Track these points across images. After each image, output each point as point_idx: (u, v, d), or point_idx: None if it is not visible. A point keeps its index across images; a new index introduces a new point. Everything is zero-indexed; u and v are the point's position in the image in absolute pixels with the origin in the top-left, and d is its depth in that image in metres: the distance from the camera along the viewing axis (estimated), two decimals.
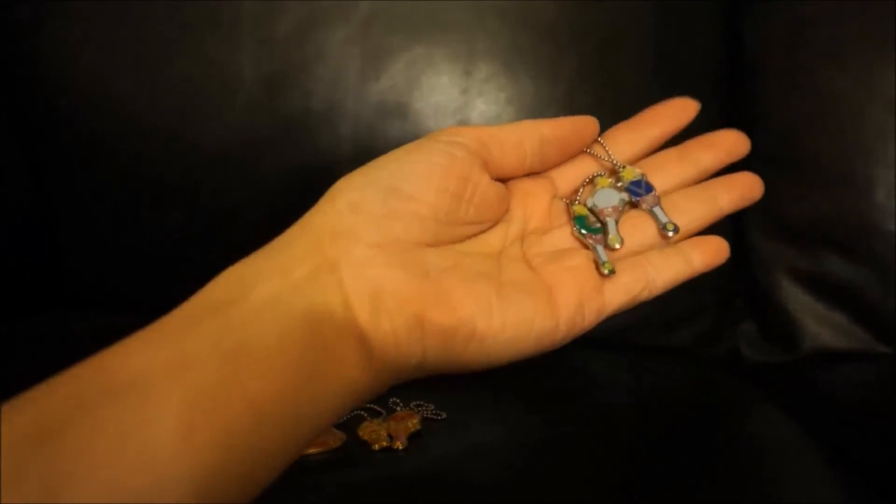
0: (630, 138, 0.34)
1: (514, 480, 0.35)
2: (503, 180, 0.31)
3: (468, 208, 0.29)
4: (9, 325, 0.49)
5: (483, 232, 0.30)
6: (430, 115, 0.56)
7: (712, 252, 0.32)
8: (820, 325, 0.64)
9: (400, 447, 0.37)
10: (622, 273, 0.30)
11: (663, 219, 0.31)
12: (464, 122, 0.56)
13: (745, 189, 0.33)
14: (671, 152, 0.34)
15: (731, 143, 0.34)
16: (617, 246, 0.30)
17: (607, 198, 0.32)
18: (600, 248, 0.30)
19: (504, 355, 0.28)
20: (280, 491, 0.34)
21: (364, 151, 0.56)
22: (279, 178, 0.57)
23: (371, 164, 0.29)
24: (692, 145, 0.34)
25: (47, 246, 0.63)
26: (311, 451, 0.36)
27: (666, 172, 0.33)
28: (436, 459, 0.37)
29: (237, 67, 0.56)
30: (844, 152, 0.63)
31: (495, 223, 0.31)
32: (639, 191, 0.32)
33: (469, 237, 0.30)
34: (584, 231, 0.31)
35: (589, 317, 0.29)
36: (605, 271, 0.29)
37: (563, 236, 0.32)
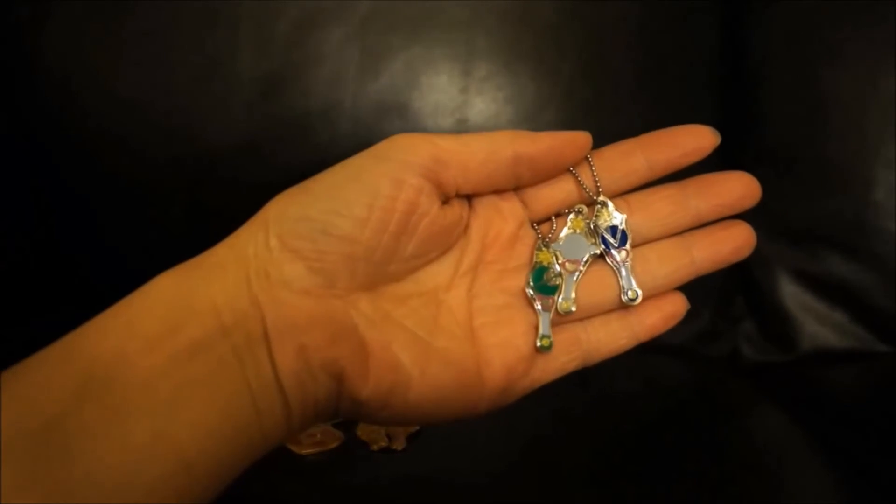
0: (626, 164, 0.30)
1: (512, 480, 0.35)
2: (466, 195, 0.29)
3: (409, 243, 0.26)
4: (8, 326, 0.49)
5: (429, 263, 0.28)
6: (429, 114, 0.56)
7: (666, 317, 0.30)
8: (820, 324, 0.64)
9: (399, 447, 0.37)
10: (558, 351, 0.28)
11: (626, 284, 0.29)
12: (463, 122, 0.56)
13: (734, 247, 0.30)
14: (665, 192, 0.30)
15: (739, 192, 0.29)
16: (568, 309, 0.28)
17: (575, 248, 0.29)
18: (545, 318, 0.28)
19: (418, 421, 0.28)
20: (280, 491, 0.34)
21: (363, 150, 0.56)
22: (278, 177, 0.57)
23: (309, 186, 0.26)
24: (693, 187, 0.30)
25: (47, 246, 0.63)
26: (310, 451, 0.36)
27: (652, 216, 0.30)
28: (434, 459, 0.37)
29: (236, 67, 0.56)
30: (844, 152, 0.63)
31: (445, 251, 0.28)
32: (612, 241, 0.29)
33: (410, 272, 0.27)
34: (534, 293, 0.28)
35: (511, 397, 0.28)
36: (539, 345, 0.28)
37: (518, 282, 0.29)
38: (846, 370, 0.62)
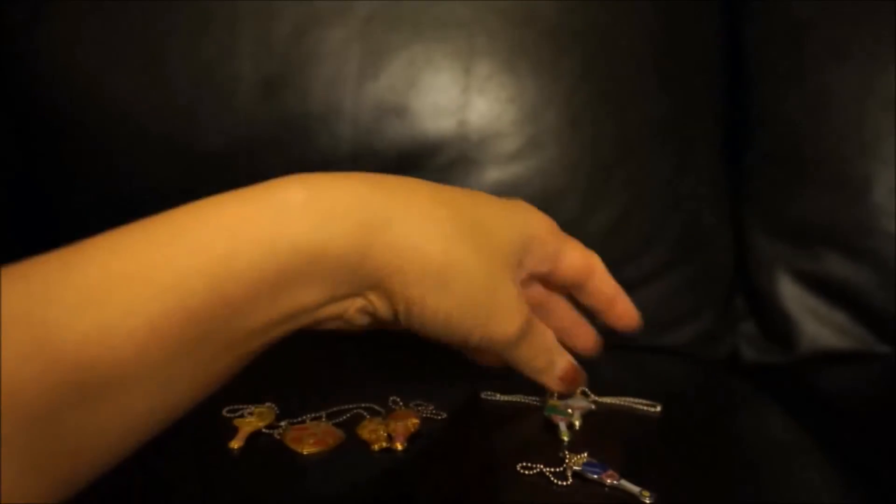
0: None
1: (512, 480, 0.35)
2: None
3: None
4: None
5: None
6: (429, 114, 0.56)
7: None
8: (820, 324, 0.65)
9: (399, 447, 0.37)
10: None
11: (634, 489, 0.34)
12: (464, 122, 0.56)
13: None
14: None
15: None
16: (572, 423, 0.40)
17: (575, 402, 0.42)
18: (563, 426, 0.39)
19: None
20: (279, 490, 0.34)
21: (363, 151, 0.56)
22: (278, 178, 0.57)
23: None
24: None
25: (45, 247, 0.62)
26: (310, 450, 0.36)
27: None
28: (435, 459, 0.37)
29: (236, 67, 0.56)
30: (844, 152, 0.63)
31: None
32: (598, 469, 0.35)
33: None
34: (549, 415, 0.40)
35: None
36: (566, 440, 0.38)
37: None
38: (846, 371, 0.62)
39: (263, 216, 0.29)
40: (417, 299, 0.32)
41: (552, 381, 0.39)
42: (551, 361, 0.38)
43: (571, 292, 0.41)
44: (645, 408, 0.45)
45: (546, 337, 0.38)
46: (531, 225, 0.37)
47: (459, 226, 0.33)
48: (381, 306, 0.33)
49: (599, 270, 0.40)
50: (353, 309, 0.32)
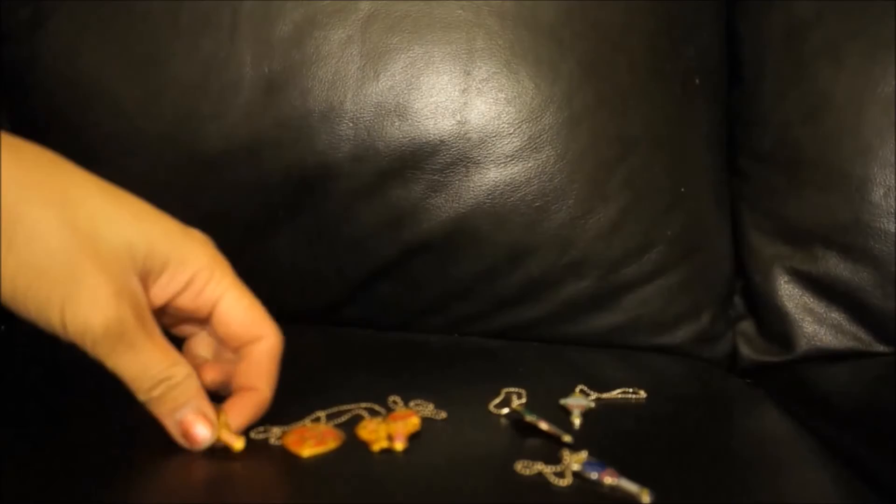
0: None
1: (512, 479, 0.35)
2: None
3: None
4: (9, 325, 0.49)
5: None
6: (429, 114, 0.56)
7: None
8: (818, 324, 0.65)
9: (399, 448, 0.37)
10: None
11: (634, 488, 0.34)
12: (464, 122, 0.56)
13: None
14: None
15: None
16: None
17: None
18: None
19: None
20: (280, 491, 0.34)
21: (363, 151, 0.56)
22: (278, 178, 0.57)
23: None
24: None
25: None
26: (310, 451, 0.36)
27: None
28: (435, 459, 0.37)
29: (236, 68, 0.56)
30: (842, 152, 0.63)
31: None
32: (597, 468, 0.35)
33: None
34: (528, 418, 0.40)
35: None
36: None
37: None
38: (844, 370, 0.62)
39: None
40: None
41: (169, 422, 0.35)
42: (170, 396, 0.34)
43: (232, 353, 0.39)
44: (630, 396, 0.47)
45: (167, 364, 0.34)
46: (173, 245, 0.36)
47: (54, 198, 0.32)
48: None
49: (265, 348, 0.38)
50: None
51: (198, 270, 0.36)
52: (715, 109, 0.66)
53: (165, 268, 0.35)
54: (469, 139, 0.56)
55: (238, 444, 0.35)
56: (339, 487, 0.34)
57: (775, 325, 0.66)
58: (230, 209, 0.58)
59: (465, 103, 0.56)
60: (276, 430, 0.38)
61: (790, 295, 0.65)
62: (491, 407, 0.43)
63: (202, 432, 0.35)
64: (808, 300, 0.65)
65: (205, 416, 0.35)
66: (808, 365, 0.64)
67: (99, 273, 0.32)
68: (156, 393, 0.34)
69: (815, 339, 0.65)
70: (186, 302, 0.36)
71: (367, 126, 0.56)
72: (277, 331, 0.38)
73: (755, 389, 0.59)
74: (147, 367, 0.34)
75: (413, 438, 0.38)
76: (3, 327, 0.46)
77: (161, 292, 0.36)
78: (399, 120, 0.56)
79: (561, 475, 0.35)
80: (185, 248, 0.36)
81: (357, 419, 0.40)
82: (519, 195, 0.57)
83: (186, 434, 0.34)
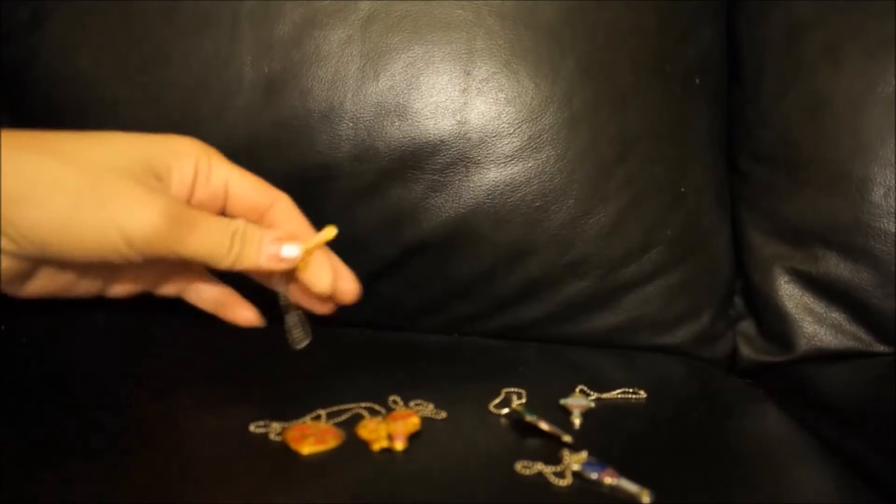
0: None
1: (512, 479, 0.35)
2: None
3: None
4: (12, 324, 0.49)
5: None
6: (429, 114, 0.56)
7: None
8: (818, 324, 0.65)
9: (399, 448, 0.37)
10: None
11: (633, 488, 0.34)
12: (464, 122, 0.56)
13: None
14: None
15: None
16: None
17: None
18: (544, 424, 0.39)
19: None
20: (279, 490, 0.34)
21: (363, 152, 0.56)
22: (278, 178, 0.57)
23: None
24: None
25: None
26: (310, 450, 0.36)
27: None
28: (435, 459, 0.37)
29: (236, 68, 0.56)
30: (842, 152, 0.63)
31: None
32: (597, 468, 0.36)
33: None
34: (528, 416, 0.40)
35: None
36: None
37: None
38: (844, 370, 0.62)
39: None
40: (13, 222, 0.33)
41: (262, 262, 0.39)
42: (248, 242, 0.38)
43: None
44: (630, 396, 0.47)
45: (226, 223, 0.38)
46: (165, 146, 0.38)
47: (45, 146, 0.34)
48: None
49: (283, 205, 0.42)
50: None
51: (197, 159, 0.39)
52: (715, 109, 0.66)
53: (169, 168, 0.38)
54: (469, 139, 0.56)
55: None
56: (339, 486, 0.34)
57: (775, 325, 0.66)
58: None
59: (465, 103, 0.56)
60: (276, 426, 0.38)
61: (790, 295, 0.65)
62: (491, 407, 0.43)
63: (290, 250, 0.39)
64: (808, 300, 0.65)
65: (283, 238, 0.39)
66: (808, 365, 0.64)
67: (129, 183, 0.35)
68: (236, 248, 0.38)
69: (815, 339, 0.65)
70: (202, 194, 0.39)
71: (367, 126, 0.56)
72: (282, 192, 0.43)
73: (755, 389, 0.59)
74: (215, 233, 0.37)
75: (413, 438, 0.38)
76: (2, 327, 0.46)
77: (177, 191, 0.38)
78: (399, 120, 0.56)
79: (561, 475, 0.35)
80: (176, 144, 0.39)
81: (357, 418, 0.40)
82: (519, 195, 0.57)
83: (281, 258, 0.39)
